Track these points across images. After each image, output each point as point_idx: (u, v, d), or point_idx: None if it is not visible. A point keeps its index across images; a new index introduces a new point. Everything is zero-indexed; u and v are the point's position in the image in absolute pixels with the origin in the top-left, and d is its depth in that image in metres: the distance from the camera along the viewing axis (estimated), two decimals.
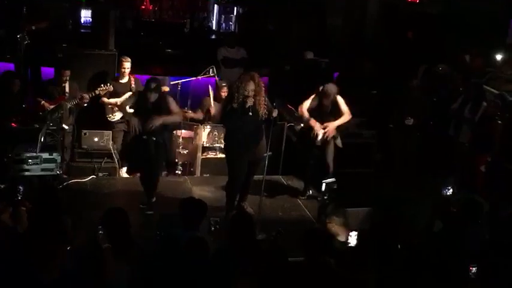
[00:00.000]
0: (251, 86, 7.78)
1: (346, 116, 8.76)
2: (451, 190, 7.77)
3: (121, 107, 9.58)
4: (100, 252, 5.40)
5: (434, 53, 12.55)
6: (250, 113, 7.81)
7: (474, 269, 5.83)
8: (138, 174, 8.75)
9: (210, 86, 10.30)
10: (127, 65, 9.76)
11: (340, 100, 8.76)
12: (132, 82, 9.80)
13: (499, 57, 11.66)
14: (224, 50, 11.91)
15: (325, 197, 7.83)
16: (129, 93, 9.66)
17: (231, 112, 7.90)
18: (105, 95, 9.64)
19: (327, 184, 8.41)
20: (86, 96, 9.35)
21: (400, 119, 10.33)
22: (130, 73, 9.92)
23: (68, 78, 9.43)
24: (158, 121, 7.99)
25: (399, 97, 10.86)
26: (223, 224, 7.20)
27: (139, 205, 8.26)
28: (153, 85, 8.05)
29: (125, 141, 9.87)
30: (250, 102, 7.77)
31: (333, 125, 8.66)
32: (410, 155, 10.49)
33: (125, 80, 9.84)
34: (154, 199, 8.37)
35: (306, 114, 8.72)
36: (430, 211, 7.78)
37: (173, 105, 8.24)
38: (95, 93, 9.43)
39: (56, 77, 9.57)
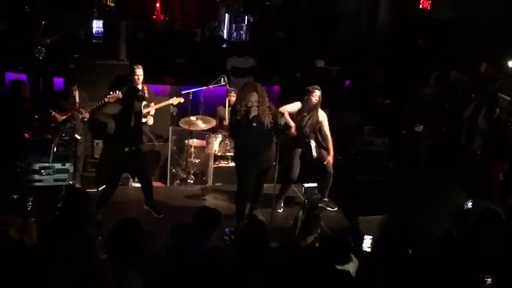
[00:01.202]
0: (254, 97, 7.80)
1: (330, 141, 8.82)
2: (471, 202, 7.72)
3: None
4: (98, 264, 5.41)
5: (446, 59, 12.53)
6: (254, 124, 7.82)
7: (489, 279, 5.76)
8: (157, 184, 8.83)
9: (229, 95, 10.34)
10: (139, 71, 9.69)
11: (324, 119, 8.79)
12: (145, 91, 9.79)
13: (511, 63, 11.61)
14: (233, 59, 11.93)
15: (305, 201, 7.82)
16: (144, 103, 9.69)
17: (236, 124, 7.92)
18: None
19: (307, 188, 8.41)
20: (83, 111, 9.36)
21: (411, 126, 10.31)
22: (143, 83, 9.92)
23: (76, 89, 9.46)
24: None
25: (411, 104, 10.83)
26: (237, 231, 7.21)
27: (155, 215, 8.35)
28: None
29: None
30: (254, 112, 7.79)
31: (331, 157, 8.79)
32: (422, 163, 10.46)
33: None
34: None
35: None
36: (447, 220, 7.74)
37: None
38: (104, 101, 9.45)
39: (66, 88, 9.61)
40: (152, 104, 9.74)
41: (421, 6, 14.36)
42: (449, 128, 10.52)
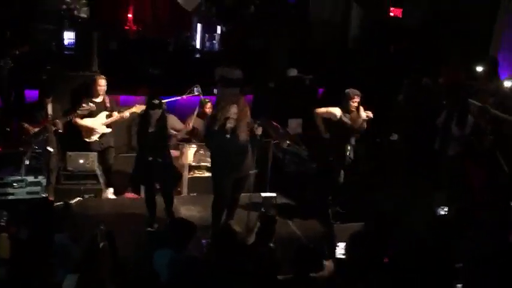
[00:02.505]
0: (233, 110, 7.82)
1: None
2: (446, 209, 7.77)
3: (94, 130, 9.62)
4: (97, 250, 5.38)
5: (418, 66, 12.63)
6: (228, 136, 7.83)
7: (460, 286, 5.78)
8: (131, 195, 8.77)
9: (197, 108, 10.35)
10: (103, 82, 9.70)
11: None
12: (107, 101, 9.76)
13: (479, 69, 11.73)
14: (221, 69, 11.81)
15: (262, 211, 7.85)
16: (105, 113, 9.69)
17: (212, 133, 7.94)
18: (79, 116, 9.56)
19: (264, 198, 8.43)
20: (57, 125, 9.30)
21: (386, 134, 10.37)
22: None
23: (50, 100, 9.39)
24: (174, 139, 8.42)
25: (385, 112, 10.90)
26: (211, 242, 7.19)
27: (147, 228, 8.32)
28: (156, 101, 8.13)
29: (105, 159, 9.83)
30: (230, 124, 7.79)
31: None
32: (398, 170, 10.51)
33: (99, 99, 9.75)
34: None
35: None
36: (422, 227, 7.78)
37: (178, 124, 8.52)
38: (77, 113, 9.40)
39: (39, 100, 9.53)
40: (115, 113, 9.72)
41: (392, 14, 14.47)
42: (422, 134, 10.58)
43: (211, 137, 8.07)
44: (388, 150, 10.44)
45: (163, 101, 8.28)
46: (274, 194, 8.60)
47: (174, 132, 8.49)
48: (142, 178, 8.61)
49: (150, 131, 8.19)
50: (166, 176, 8.43)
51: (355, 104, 8.84)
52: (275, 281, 5.63)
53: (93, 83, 9.78)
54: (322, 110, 9.01)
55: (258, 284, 5.61)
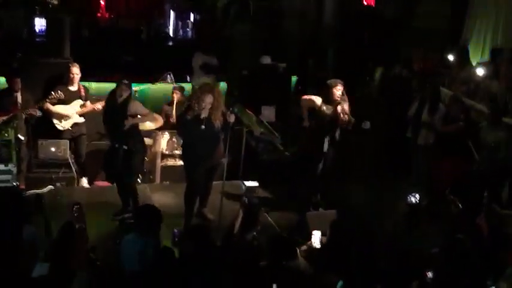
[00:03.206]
0: (209, 99, 7.79)
1: None
2: (417, 196, 7.80)
3: (67, 116, 9.51)
4: (73, 232, 5.37)
5: (391, 55, 12.69)
6: (203, 126, 7.80)
7: (430, 274, 5.82)
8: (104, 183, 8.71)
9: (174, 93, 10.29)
10: (75, 70, 9.57)
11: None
12: (82, 90, 9.65)
13: (451, 57, 11.82)
14: (202, 56, 11.66)
15: (245, 200, 7.85)
16: (79, 102, 9.60)
17: (185, 123, 7.90)
18: (51, 102, 9.43)
19: (248, 187, 8.42)
20: (34, 111, 9.20)
21: (357, 122, 10.38)
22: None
23: (19, 87, 9.27)
24: (128, 122, 7.97)
25: (357, 100, 10.93)
26: (184, 232, 7.19)
27: (112, 216, 8.18)
28: (125, 81, 8.04)
29: (77, 148, 9.75)
30: (204, 114, 7.77)
31: None
32: (369, 158, 10.55)
33: (74, 87, 9.62)
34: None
35: None
36: (394, 215, 7.85)
37: (142, 108, 8.23)
38: (46, 102, 9.29)
39: (8, 86, 9.41)
40: (88, 103, 9.64)
41: (365, 3, 14.51)
42: (394, 122, 10.64)
43: (184, 126, 8.03)
44: (360, 138, 10.46)
45: (127, 86, 8.06)
46: (256, 183, 8.57)
47: (139, 117, 8.29)
48: (110, 165, 8.47)
49: (115, 116, 8.09)
50: (127, 164, 8.19)
51: (339, 93, 8.67)
52: (253, 270, 5.63)
53: (67, 71, 9.64)
54: (306, 97, 8.98)
55: (234, 273, 5.62)
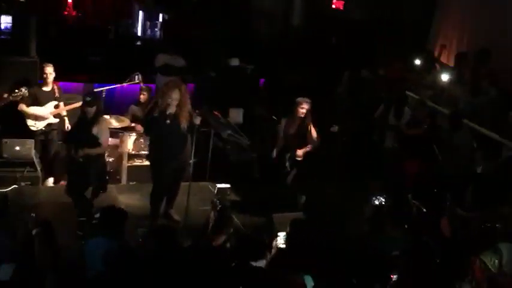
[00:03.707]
0: (175, 95, 7.78)
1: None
2: (381, 198, 7.86)
3: (42, 117, 9.39)
4: (30, 237, 5.32)
5: (358, 59, 12.79)
6: (168, 121, 7.79)
7: (395, 277, 5.87)
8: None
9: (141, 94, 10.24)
10: (49, 70, 9.46)
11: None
12: (56, 91, 9.56)
13: (418, 62, 11.95)
14: (165, 56, 11.60)
15: (217, 201, 7.87)
16: (54, 102, 9.50)
17: (152, 120, 7.87)
18: (25, 103, 9.36)
19: (220, 189, 8.44)
20: (5, 96, 9.10)
21: (325, 126, 10.44)
22: (55, 81, 9.69)
23: None
24: (81, 152, 7.86)
25: (325, 104, 10.98)
26: (148, 232, 7.15)
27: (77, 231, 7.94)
28: (88, 98, 7.94)
29: (45, 151, 9.64)
30: (171, 110, 7.75)
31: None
32: (337, 161, 10.61)
33: (48, 88, 9.54)
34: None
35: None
36: (359, 217, 7.90)
37: (105, 135, 8.09)
38: (10, 98, 9.18)
39: None
40: (61, 104, 9.56)
41: (334, 7, 14.62)
42: (361, 126, 10.72)
43: (150, 123, 8.00)
44: (328, 141, 10.52)
45: (90, 102, 7.93)
46: (228, 185, 8.58)
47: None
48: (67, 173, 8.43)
49: (81, 126, 8.04)
50: (76, 175, 8.13)
51: (303, 111, 8.68)
52: (224, 271, 5.63)
53: (41, 71, 9.56)
54: None
55: (205, 274, 5.62)
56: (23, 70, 10.14)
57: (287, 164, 8.87)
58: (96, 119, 7.94)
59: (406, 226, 7.34)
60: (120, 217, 6.11)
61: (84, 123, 8.01)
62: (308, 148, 8.75)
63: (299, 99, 8.80)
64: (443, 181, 8.95)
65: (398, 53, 12.42)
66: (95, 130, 7.91)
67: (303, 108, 8.67)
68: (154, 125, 7.94)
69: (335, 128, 10.33)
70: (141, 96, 10.21)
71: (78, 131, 8.17)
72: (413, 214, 7.74)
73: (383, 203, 7.69)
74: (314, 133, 8.80)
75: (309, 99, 8.78)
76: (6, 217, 7.24)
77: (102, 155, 8.32)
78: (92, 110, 7.90)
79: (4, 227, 6.56)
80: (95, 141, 7.93)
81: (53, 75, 9.54)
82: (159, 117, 7.82)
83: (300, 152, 8.74)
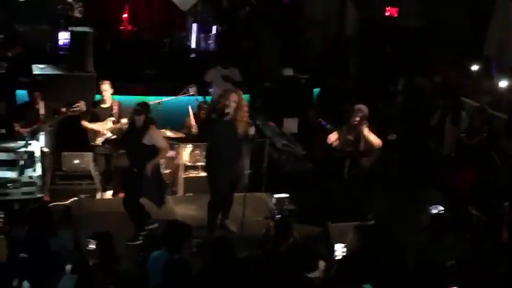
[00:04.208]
0: (233, 97, 7.82)
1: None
2: (439, 207, 7.75)
3: (100, 133, 9.54)
4: (88, 268, 5.39)
5: (413, 66, 12.65)
6: (226, 118, 7.79)
7: None
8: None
9: (189, 106, 10.31)
10: (105, 87, 9.56)
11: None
12: (115, 108, 9.64)
13: (474, 68, 11.76)
14: (215, 71, 11.64)
15: (275, 211, 7.83)
16: (112, 119, 9.59)
17: (209, 123, 7.92)
18: (85, 119, 9.53)
19: (277, 198, 8.42)
20: (63, 110, 9.28)
21: (383, 134, 10.31)
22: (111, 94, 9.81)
23: (39, 99, 9.35)
24: (150, 166, 7.93)
25: (380, 112, 10.88)
26: (205, 243, 7.18)
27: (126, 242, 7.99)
28: (137, 107, 8.03)
29: (108, 164, 9.77)
30: (228, 110, 7.77)
31: None
32: (394, 170, 10.49)
33: (106, 104, 9.64)
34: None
35: None
36: (417, 226, 7.79)
37: (160, 140, 8.16)
38: (69, 112, 9.35)
39: (30, 99, 9.51)
40: (123, 120, 9.52)
41: (387, 14, 14.48)
42: (417, 133, 10.58)
43: (207, 128, 8.03)
44: (386, 150, 10.41)
45: (140, 111, 7.98)
46: (286, 195, 8.58)
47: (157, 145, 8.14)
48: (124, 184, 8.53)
49: (131, 141, 8.12)
50: (132, 187, 8.18)
51: (358, 118, 8.74)
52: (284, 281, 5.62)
53: (98, 88, 9.69)
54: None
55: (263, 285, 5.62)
56: (81, 84, 10.34)
57: (345, 171, 8.82)
58: (145, 127, 7.99)
59: (466, 235, 7.19)
60: (183, 231, 6.14)
61: (133, 132, 8.09)
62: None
63: (356, 106, 8.74)
64: (501, 189, 8.79)
65: (454, 59, 12.24)
66: (145, 139, 7.97)
67: (359, 115, 8.68)
68: (211, 128, 7.96)
69: (393, 136, 10.20)
70: (201, 112, 10.21)
71: (128, 140, 8.27)
72: (473, 223, 7.58)
73: (441, 212, 7.58)
74: (374, 139, 8.73)
75: (365, 106, 8.73)
76: (69, 227, 7.42)
77: (157, 165, 8.37)
78: (140, 118, 7.97)
79: (68, 236, 6.69)
80: (147, 150, 7.99)
81: (110, 91, 9.64)
82: (216, 120, 7.85)
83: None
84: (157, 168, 8.26)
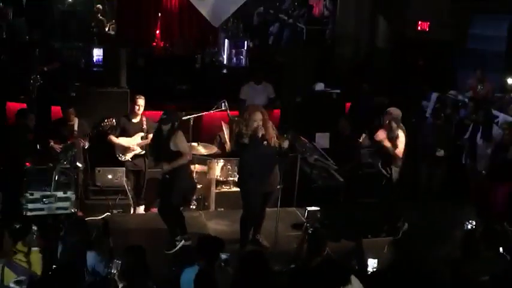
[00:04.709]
0: (258, 116, 7.82)
1: None
2: (474, 223, 7.68)
3: (130, 149, 9.61)
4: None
5: (446, 80, 12.56)
6: (265, 142, 7.80)
7: None
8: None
9: (222, 122, 10.34)
10: (141, 102, 9.58)
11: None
12: (144, 122, 9.68)
13: (510, 81, 11.63)
14: (248, 87, 11.69)
15: (308, 224, 7.78)
16: (141, 134, 9.64)
17: (243, 147, 7.91)
18: (114, 134, 9.59)
19: (310, 212, 8.40)
20: (81, 140, 9.39)
21: (428, 150, 10.19)
22: (144, 110, 9.87)
23: (73, 116, 9.47)
24: (166, 167, 8.04)
25: (423, 128, 10.77)
26: (237, 258, 7.16)
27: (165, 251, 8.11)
28: (163, 116, 8.11)
29: (138, 180, 9.83)
30: (261, 131, 7.78)
31: None
32: (434, 186, 10.37)
33: (136, 119, 9.68)
34: (179, 239, 8.18)
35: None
36: (450, 241, 7.72)
37: (183, 145, 8.21)
38: (98, 128, 9.45)
39: (64, 115, 9.63)
40: (150, 136, 9.46)
41: (419, 28, 14.42)
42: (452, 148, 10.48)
43: (242, 151, 8.04)
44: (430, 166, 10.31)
45: (166, 120, 8.08)
46: (317, 208, 8.57)
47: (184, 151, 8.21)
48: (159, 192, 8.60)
49: (159, 144, 8.19)
50: (165, 194, 8.27)
51: (386, 121, 8.91)
52: None
53: (132, 103, 9.72)
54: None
55: None
56: (114, 100, 10.45)
57: (392, 173, 8.91)
58: (171, 134, 8.07)
59: (500, 251, 7.08)
60: (216, 246, 6.15)
61: (160, 141, 8.16)
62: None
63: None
64: None
65: (487, 72, 12.12)
66: (172, 145, 8.05)
67: (388, 118, 8.87)
68: (246, 151, 7.97)
69: (441, 153, 10.08)
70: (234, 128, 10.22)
71: (156, 149, 8.33)
72: (509, 239, 7.46)
73: (474, 227, 7.51)
74: (401, 137, 8.80)
75: (396, 109, 8.97)
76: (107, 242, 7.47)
77: (187, 172, 8.44)
78: (166, 127, 8.06)
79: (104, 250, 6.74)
80: (176, 156, 8.08)
81: (143, 107, 9.69)
82: (250, 144, 7.86)
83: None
84: (184, 174, 8.35)
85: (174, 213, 8.30)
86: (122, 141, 9.62)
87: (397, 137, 8.84)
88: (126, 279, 5.65)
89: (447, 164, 10.31)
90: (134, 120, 9.70)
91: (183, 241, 8.14)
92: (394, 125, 8.83)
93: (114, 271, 5.67)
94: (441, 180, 10.32)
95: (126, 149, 9.65)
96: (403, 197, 9.53)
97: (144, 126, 9.67)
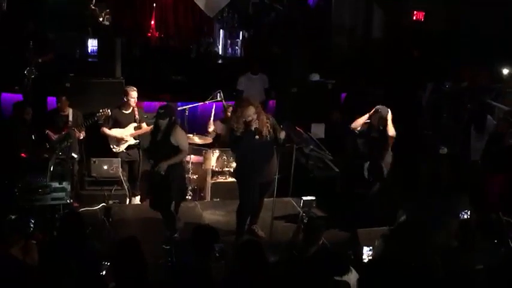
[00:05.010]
0: (251, 111, 7.81)
1: None
2: (468, 213, 7.69)
3: (123, 140, 9.60)
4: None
5: (442, 70, 12.55)
6: (257, 136, 7.81)
7: None
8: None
9: (213, 109, 10.29)
10: (134, 94, 9.56)
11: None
12: (136, 113, 9.67)
13: (505, 71, 11.62)
14: (246, 78, 11.76)
15: (303, 214, 7.77)
16: (133, 125, 9.63)
17: (237, 140, 7.91)
18: (106, 126, 9.56)
19: (305, 201, 8.39)
20: (76, 131, 9.37)
21: (431, 147, 10.18)
22: (139, 100, 9.86)
23: (66, 105, 9.45)
24: (164, 166, 8.02)
25: (430, 123, 10.76)
26: (233, 248, 7.17)
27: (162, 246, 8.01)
28: (160, 110, 8.07)
29: (132, 171, 9.84)
30: (254, 125, 7.78)
31: None
32: (432, 177, 10.38)
33: (128, 110, 9.66)
34: (174, 232, 8.16)
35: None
36: (446, 232, 7.72)
37: (182, 141, 8.21)
38: (95, 118, 9.43)
39: (57, 105, 9.61)
40: (144, 124, 9.61)
41: (414, 18, 14.41)
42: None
43: (236, 145, 8.04)
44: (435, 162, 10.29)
45: (164, 114, 8.05)
46: (313, 197, 8.56)
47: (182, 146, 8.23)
48: (150, 188, 8.58)
49: (157, 139, 8.18)
50: (160, 189, 8.24)
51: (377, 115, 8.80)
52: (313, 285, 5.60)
53: (125, 95, 9.67)
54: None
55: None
56: (110, 91, 10.42)
57: (365, 173, 8.80)
58: (169, 129, 8.06)
59: (495, 241, 7.10)
60: (211, 236, 6.14)
61: (158, 135, 8.14)
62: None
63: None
64: None
65: (483, 62, 12.12)
66: (171, 139, 8.05)
67: (377, 114, 8.71)
68: (240, 145, 7.97)
69: (444, 150, 10.08)
70: (228, 114, 10.22)
71: (154, 144, 8.31)
72: (504, 229, 7.49)
73: (468, 217, 7.53)
74: (391, 130, 8.72)
75: (384, 107, 8.77)
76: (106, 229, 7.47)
77: (181, 166, 8.41)
78: (164, 122, 8.04)
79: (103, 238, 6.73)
80: (173, 151, 8.08)
81: (136, 99, 9.66)
82: (244, 137, 7.86)
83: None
84: (181, 166, 8.35)
85: (167, 209, 8.29)
86: (115, 132, 9.60)
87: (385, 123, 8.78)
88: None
89: (450, 163, 10.32)
90: (126, 112, 9.68)
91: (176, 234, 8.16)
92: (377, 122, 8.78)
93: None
94: (446, 180, 10.33)
95: (119, 140, 9.63)
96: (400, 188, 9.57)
97: (137, 117, 9.66)
